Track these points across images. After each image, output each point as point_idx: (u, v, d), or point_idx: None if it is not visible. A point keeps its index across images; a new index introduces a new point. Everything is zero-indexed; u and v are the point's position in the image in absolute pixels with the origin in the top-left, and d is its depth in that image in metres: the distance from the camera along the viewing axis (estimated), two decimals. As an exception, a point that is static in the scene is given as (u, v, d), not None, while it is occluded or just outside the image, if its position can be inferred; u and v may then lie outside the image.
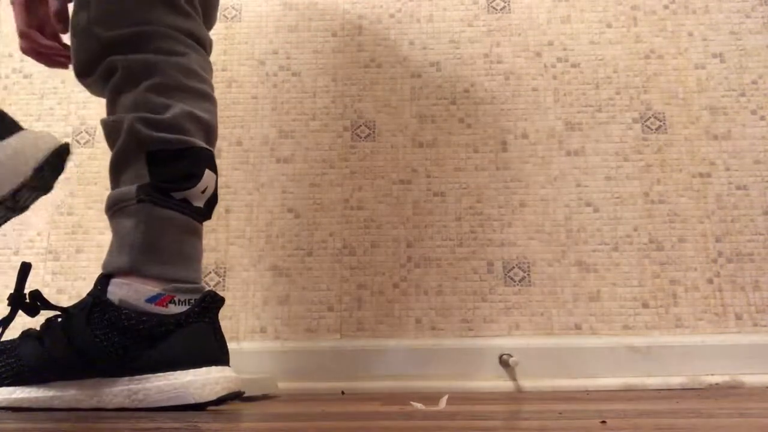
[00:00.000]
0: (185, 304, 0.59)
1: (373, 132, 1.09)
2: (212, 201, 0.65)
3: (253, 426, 0.40)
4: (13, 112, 1.12)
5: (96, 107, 1.12)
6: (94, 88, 0.70)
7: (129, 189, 0.62)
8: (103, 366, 0.56)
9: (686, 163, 1.05)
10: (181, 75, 0.66)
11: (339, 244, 1.04)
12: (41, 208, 1.07)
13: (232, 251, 1.04)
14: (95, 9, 0.67)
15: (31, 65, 1.15)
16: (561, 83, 1.10)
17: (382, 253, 1.03)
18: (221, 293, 1.02)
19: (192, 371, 0.56)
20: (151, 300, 0.58)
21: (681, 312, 0.98)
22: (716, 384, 0.92)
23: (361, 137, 1.09)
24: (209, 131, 0.67)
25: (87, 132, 1.11)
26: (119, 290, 0.59)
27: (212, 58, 1.14)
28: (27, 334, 0.60)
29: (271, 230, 1.05)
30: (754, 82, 1.08)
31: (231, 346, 1.00)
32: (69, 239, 1.06)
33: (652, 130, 1.07)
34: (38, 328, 0.61)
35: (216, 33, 1.15)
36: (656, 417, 0.43)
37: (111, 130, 0.65)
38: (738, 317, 0.98)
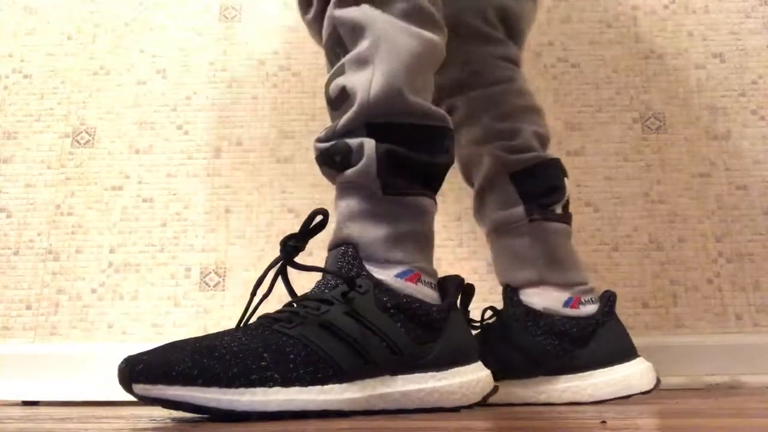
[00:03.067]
0: (591, 303, 0.66)
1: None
2: (567, 203, 0.71)
3: (253, 426, 0.40)
4: (13, 112, 1.13)
5: (96, 107, 1.12)
6: None
7: (514, 211, 0.68)
8: (545, 366, 0.60)
9: (686, 163, 1.05)
10: (517, 98, 0.72)
11: (339, 244, 1.03)
12: (41, 209, 1.07)
13: (232, 251, 1.04)
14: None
15: (31, 65, 1.15)
16: (561, 83, 1.10)
17: (382, 253, 1.03)
18: (221, 293, 1.02)
19: (626, 364, 0.62)
20: (566, 304, 0.65)
21: (681, 312, 0.98)
22: (716, 384, 0.92)
23: (361, 137, 1.09)
24: (545, 142, 0.73)
25: (87, 132, 1.11)
26: (539, 299, 0.65)
27: (212, 57, 1.15)
28: None
29: (271, 230, 1.05)
30: (754, 82, 1.08)
31: (231, 346, 1.00)
32: (69, 239, 1.06)
33: (652, 130, 1.07)
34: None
35: (216, 33, 1.15)
36: (656, 417, 0.43)
37: (468, 161, 0.74)
38: (738, 317, 0.98)
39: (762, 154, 1.05)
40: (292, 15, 1.16)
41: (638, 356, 0.64)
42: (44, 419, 0.47)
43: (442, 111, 0.57)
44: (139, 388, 0.43)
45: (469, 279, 1.01)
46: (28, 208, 1.08)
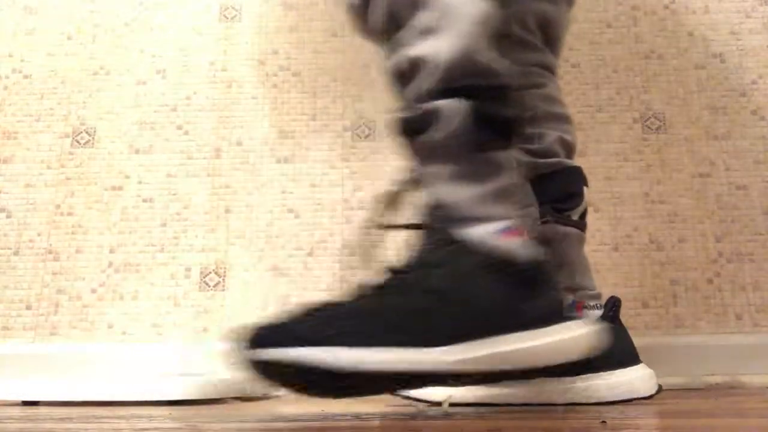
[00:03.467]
0: (596, 308, 0.66)
1: (373, 132, 1.09)
2: (585, 212, 0.71)
3: (253, 426, 0.40)
4: (13, 112, 1.13)
5: (96, 107, 1.12)
6: None
7: (528, 211, 0.67)
8: (549, 369, 0.56)
9: (686, 163, 1.05)
10: (545, 104, 0.73)
11: (339, 244, 1.04)
12: (41, 209, 1.07)
13: (232, 251, 1.04)
14: None
15: (31, 65, 1.15)
16: (561, 83, 1.09)
17: (382, 252, 1.03)
18: (221, 293, 1.02)
19: (628, 369, 0.62)
20: (570, 307, 0.65)
21: (681, 312, 0.98)
22: (716, 384, 0.92)
23: (361, 137, 1.09)
24: (571, 150, 0.73)
25: (87, 132, 1.11)
26: None
27: (212, 57, 1.15)
28: None
29: (271, 230, 1.05)
30: (754, 82, 1.08)
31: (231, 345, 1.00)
32: (69, 239, 1.06)
33: (652, 130, 1.07)
34: None
35: (216, 33, 1.16)
36: (656, 417, 0.43)
37: None
38: (738, 317, 0.98)
39: (762, 154, 1.05)
40: (292, 15, 1.16)
41: (641, 362, 0.64)
42: (44, 419, 0.47)
43: (508, 65, 0.57)
44: (267, 352, 0.42)
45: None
46: (28, 208, 1.08)
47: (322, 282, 1.02)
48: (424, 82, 0.54)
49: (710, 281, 0.99)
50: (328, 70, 1.13)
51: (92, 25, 1.17)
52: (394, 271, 0.51)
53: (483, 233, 0.51)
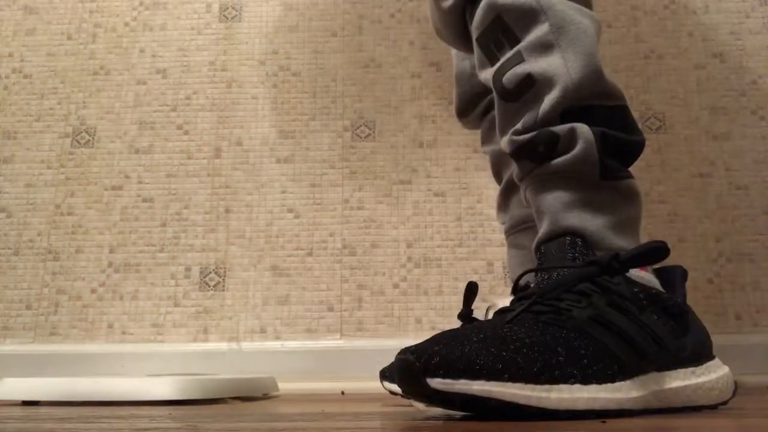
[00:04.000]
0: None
1: (373, 132, 1.09)
2: None
3: (253, 426, 0.40)
4: (13, 112, 1.13)
5: (96, 107, 1.12)
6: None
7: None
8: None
9: (686, 163, 1.05)
10: None
11: (339, 244, 1.04)
12: (41, 209, 1.07)
13: (232, 251, 1.04)
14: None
15: (31, 65, 1.15)
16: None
17: (382, 253, 1.03)
18: (221, 293, 1.02)
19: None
20: None
21: (681, 312, 0.98)
22: (716, 384, 0.92)
23: (361, 137, 1.09)
24: None
25: (87, 132, 1.11)
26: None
27: (212, 58, 1.15)
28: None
29: (271, 230, 1.05)
30: (754, 82, 1.08)
31: (231, 346, 1.00)
32: (69, 239, 1.06)
33: (652, 130, 1.07)
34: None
35: (216, 33, 1.16)
36: (656, 417, 0.43)
37: (499, 158, 0.75)
38: (738, 317, 0.98)
39: (762, 154, 1.05)
40: (292, 15, 1.16)
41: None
42: (44, 419, 0.47)
43: (620, 87, 0.55)
44: (437, 382, 0.39)
45: (469, 279, 1.01)
46: (28, 208, 1.08)
47: (322, 282, 1.02)
48: (549, 104, 0.52)
49: (710, 281, 0.99)
50: (328, 70, 1.13)
51: (92, 25, 1.17)
52: (542, 300, 0.46)
53: None
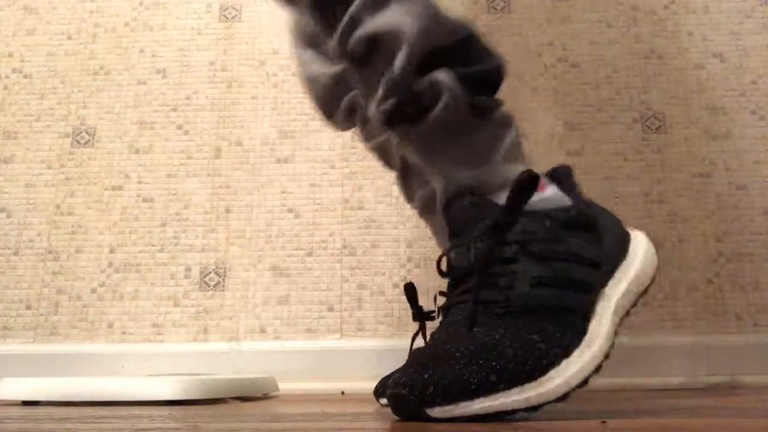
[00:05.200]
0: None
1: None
2: None
3: (253, 426, 0.40)
4: (13, 112, 1.13)
5: (96, 107, 1.12)
6: None
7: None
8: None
9: (686, 163, 1.05)
10: None
11: (339, 244, 1.04)
12: (41, 209, 1.07)
13: (232, 251, 1.04)
14: None
15: (31, 65, 1.15)
16: (561, 83, 1.10)
17: (382, 253, 1.03)
18: (221, 293, 1.02)
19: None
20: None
21: (681, 312, 0.98)
22: (716, 384, 0.92)
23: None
24: None
25: (87, 132, 1.11)
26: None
27: (212, 57, 1.15)
28: None
29: (271, 230, 1.05)
30: (754, 82, 1.08)
31: (231, 346, 1.00)
32: (69, 239, 1.06)
33: (652, 130, 1.07)
34: None
35: (216, 33, 1.16)
36: (656, 417, 0.43)
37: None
38: (738, 317, 0.98)
39: (762, 154, 1.05)
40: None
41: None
42: (44, 419, 0.47)
43: (461, 18, 0.52)
44: (437, 411, 0.39)
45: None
46: (28, 208, 1.08)
47: (322, 282, 1.02)
48: (400, 62, 0.49)
49: (710, 281, 0.99)
50: (328, 70, 1.13)
51: (92, 25, 1.17)
52: (461, 281, 0.47)
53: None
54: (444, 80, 0.49)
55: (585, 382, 0.42)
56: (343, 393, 0.92)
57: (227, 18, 1.16)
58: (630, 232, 0.52)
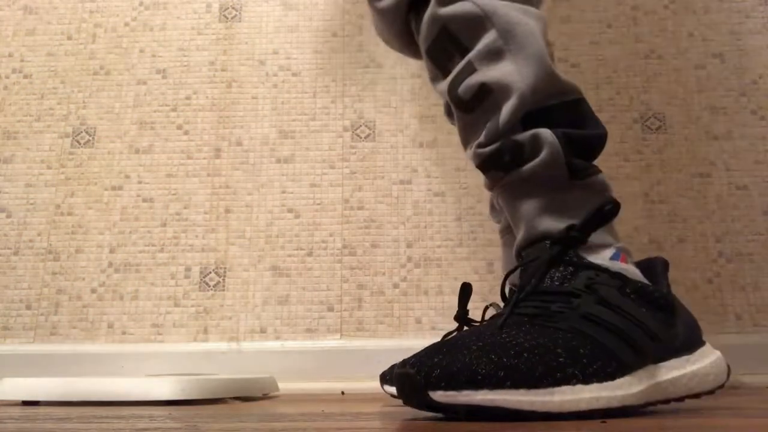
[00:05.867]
0: (633, 263, 0.60)
1: (373, 132, 1.09)
2: None
3: (253, 426, 0.40)
4: (13, 112, 1.13)
5: (96, 107, 1.12)
6: None
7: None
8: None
9: (686, 163, 1.05)
10: None
11: (339, 244, 1.04)
12: (41, 209, 1.07)
13: (232, 251, 1.04)
14: None
15: (31, 65, 1.15)
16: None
17: (382, 253, 1.03)
18: (221, 293, 1.02)
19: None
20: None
21: (681, 312, 0.98)
22: (716, 384, 0.92)
23: (361, 137, 1.09)
24: None
25: (87, 132, 1.11)
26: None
27: (212, 57, 1.15)
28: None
29: (271, 230, 1.05)
30: (754, 82, 1.08)
31: (231, 346, 1.00)
32: (69, 239, 1.06)
33: (652, 130, 1.07)
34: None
35: (216, 33, 1.16)
36: (656, 417, 0.43)
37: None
38: (738, 317, 0.98)
39: (762, 154, 1.05)
40: (292, 15, 1.16)
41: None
42: (44, 419, 0.47)
43: (573, 81, 0.55)
44: (439, 395, 0.39)
45: (469, 279, 1.01)
46: (28, 208, 1.08)
47: (322, 282, 1.02)
48: (507, 113, 0.51)
49: (710, 281, 0.99)
50: (328, 70, 1.13)
51: (92, 25, 1.17)
52: (519, 301, 0.46)
53: (603, 260, 0.49)
54: (546, 136, 0.51)
55: (601, 414, 0.41)
56: (343, 393, 0.92)
57: (227, 18, 1.16)
58: (706, 340, 0.52)
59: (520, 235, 0.53)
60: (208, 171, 1.08)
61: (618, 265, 0.49)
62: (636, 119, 1.08)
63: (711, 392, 0.48)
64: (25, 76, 1.15)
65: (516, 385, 0.39)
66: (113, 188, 1.08)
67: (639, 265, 0.52)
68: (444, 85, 0.56)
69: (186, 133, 1.11)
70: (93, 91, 1.13)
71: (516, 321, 0.45)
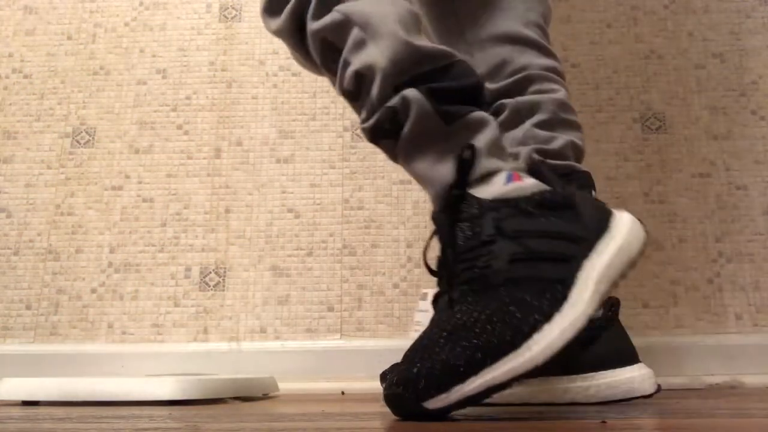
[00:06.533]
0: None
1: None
2: None
3: (253, 426, 0.40)
4: (13, 112, 1.13)
5: (96, 107, 1.12)
6: None
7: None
8: (549, 367, 0.57)
9: (686, 163, 1.05)
10: (560, 110, 0.75)
11: (339, 244, 1.04)
12: (41, 209, 1.07)
13: (232, 251, 1.04)
14: None
15: (31, 65, 1.15)
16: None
17: (382, 253, 1.03)
18: (221, 293, 1.02)
19: (627, 369, 0.62)
20: None
21: (681, 312, 0.98)
22: (716, 384, 0.92)
23: (361, 137, 1.09)
24: (580, 156, 0.76)
25: (87, 132, 1.11)
26: None
27: (212, 58, 1.15)
28: None
29: (271, 230, 1.05)
30: (754, 82, 1.08)
31: (231, 346, 1.00)
32: (69, 239, 1.06)
33: (652, 130, 1.07)
34: None
35: (216, 33, 1.16)
36: (656, 417, 0.43)
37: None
38: (738, 317, 0.98)
39: (762, 154, 1.05)
40: (292, 15, 1.16)
41: (639, 361, 0.65)
42: (44, 419, 0.47)
43: (447, 48, 0.58)
44: (433, 402, 0.41)
45: (469, 279, 1.01)
46: (28, 208, 1.08)
47: (322, 282, 1.02)
48: (376, 87, 0.55)
49: (710, 281, 0.99)
50: (328, 70, 1.13)
51: (92, 25, 1.17)
52: (447, 265, 0.49)
53: (500, 188, 0.51)
54: (411, 94, 0.54)
55: (571, 346, 0.43)
56: (343, 393, 0.92)
57: (227, 18, 1.16)
58: (613, 210, 0.55)
59: (431, 196, 0.56)
60: (208, 171, 1.08)
61: (513, 187, 0.51)
62: (636, 119, 1.08)
63: (642, 253, 0.51)
64: (25, 76, 1.15)
65: (495, 358, 0.41)
66: (113, 188, 1.08)
67: (531, 172, 0.55)
68: (337, 88, 0.61)
69: (186, 133, 1.11)
70: (93, 91, 1.13)
71: (460, 294, 0.47)
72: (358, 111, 0.60)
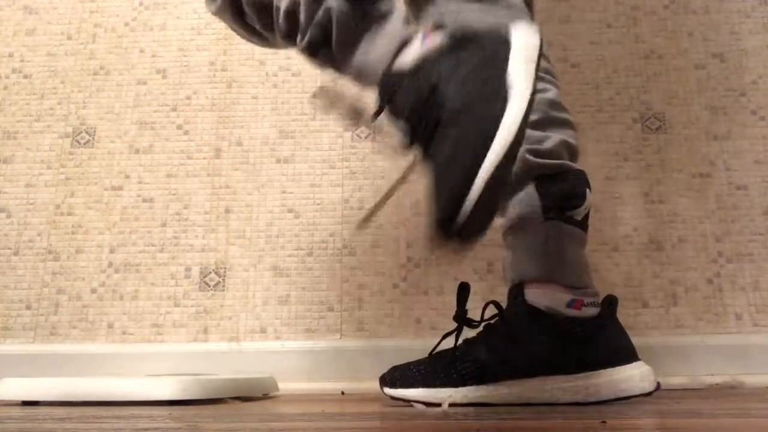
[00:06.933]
0: (593, 306, 0.66)
1: (373, 132, 1.09)
2: (587, 216, 0.72)
3: (253, 426, 0.40)
4: (13, 112, 1.13)
5: (96, 107, 1.12)
6: None
7: (533, 209, 0.69)
8: (548, 366, 0.62)
9: (686, 163, 1.05)
10: (551, 109, 0.75)
11: (339, 244, 1.04)
12: (41, 209, 1.07)
13: (232, 251, 1.04)
14: None
15: (31, 65, 1.15)
16: (561, 83, 1.09)
17: (382, 253, 1.03)
18: (221, 293, 1.02)
19: (627, 366, 0.63)
20: (569, 305, 0.65)
21: (681, 312, 0.98)
22: (716, 384, 0.92)
23: (361, 137, 1.09)
24: (575, 154, 0.75)
25: (87, 132, 1.11)
26: (542, 299, 0.66)
27: (212, 57, 1.15)
28: (472, 341, 0.66)
29: (271, 230, 1.05)
30: (754, 82, 1.08)
31: (231, 346, 1.00)
32: (69, 239, 1.06)
33: (652, 130, 1.07)
34: (479, 335, 0.67)
35: (216, 33, 1.15)
36: (656, 417, 0.43)
37: None
38: (738, 317, 0.98)
39: (762, 154, 1.05)
40: (292, 15, 1.16)
41: (639, 359, 0.65)
42: (44, 419, 0.47)
43: None
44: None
45: (469, 279, 1.01)
46: (28, 208, 1.08)
47: (322, 282, 1.02)
48: (303, 12, 0.63)
49: (710, 281, 0.99)
50: (328, 70, 1.13)
51: (92, 25, 1.17)
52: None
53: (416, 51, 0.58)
54: (331, 3, 0.61)
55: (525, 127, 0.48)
56: (343, 393, 0.92)
57: (227, 18, 1.16)
58: (500, 27, 0.59)
59: (377, 97, 0.64)
60: (208, 171, 1.08)
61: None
62: (636, 119, 1.08)
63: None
64: (25, 76, 1.15)
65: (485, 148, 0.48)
66: (113, 188, 1.08)
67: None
68: (279, 38, 0.68)
69: (186, 133, 1.11)
70: (93, 91, 1.13)
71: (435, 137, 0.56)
72: (299, 46, 0.66)
